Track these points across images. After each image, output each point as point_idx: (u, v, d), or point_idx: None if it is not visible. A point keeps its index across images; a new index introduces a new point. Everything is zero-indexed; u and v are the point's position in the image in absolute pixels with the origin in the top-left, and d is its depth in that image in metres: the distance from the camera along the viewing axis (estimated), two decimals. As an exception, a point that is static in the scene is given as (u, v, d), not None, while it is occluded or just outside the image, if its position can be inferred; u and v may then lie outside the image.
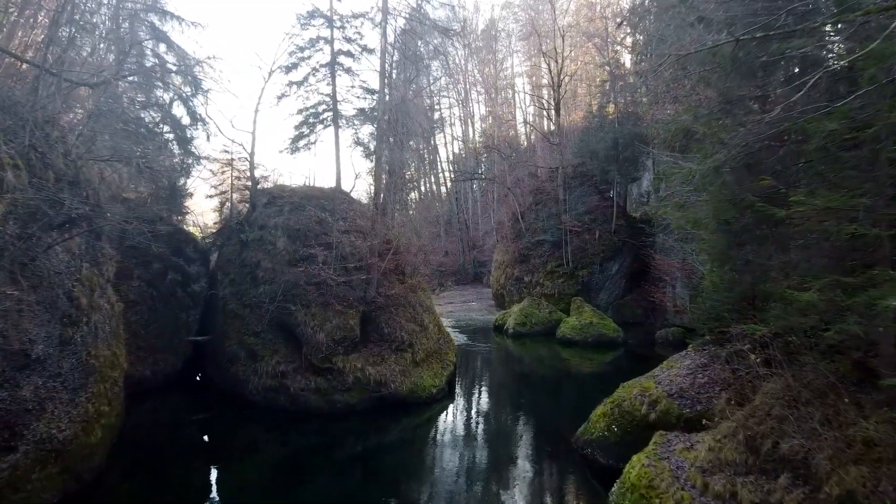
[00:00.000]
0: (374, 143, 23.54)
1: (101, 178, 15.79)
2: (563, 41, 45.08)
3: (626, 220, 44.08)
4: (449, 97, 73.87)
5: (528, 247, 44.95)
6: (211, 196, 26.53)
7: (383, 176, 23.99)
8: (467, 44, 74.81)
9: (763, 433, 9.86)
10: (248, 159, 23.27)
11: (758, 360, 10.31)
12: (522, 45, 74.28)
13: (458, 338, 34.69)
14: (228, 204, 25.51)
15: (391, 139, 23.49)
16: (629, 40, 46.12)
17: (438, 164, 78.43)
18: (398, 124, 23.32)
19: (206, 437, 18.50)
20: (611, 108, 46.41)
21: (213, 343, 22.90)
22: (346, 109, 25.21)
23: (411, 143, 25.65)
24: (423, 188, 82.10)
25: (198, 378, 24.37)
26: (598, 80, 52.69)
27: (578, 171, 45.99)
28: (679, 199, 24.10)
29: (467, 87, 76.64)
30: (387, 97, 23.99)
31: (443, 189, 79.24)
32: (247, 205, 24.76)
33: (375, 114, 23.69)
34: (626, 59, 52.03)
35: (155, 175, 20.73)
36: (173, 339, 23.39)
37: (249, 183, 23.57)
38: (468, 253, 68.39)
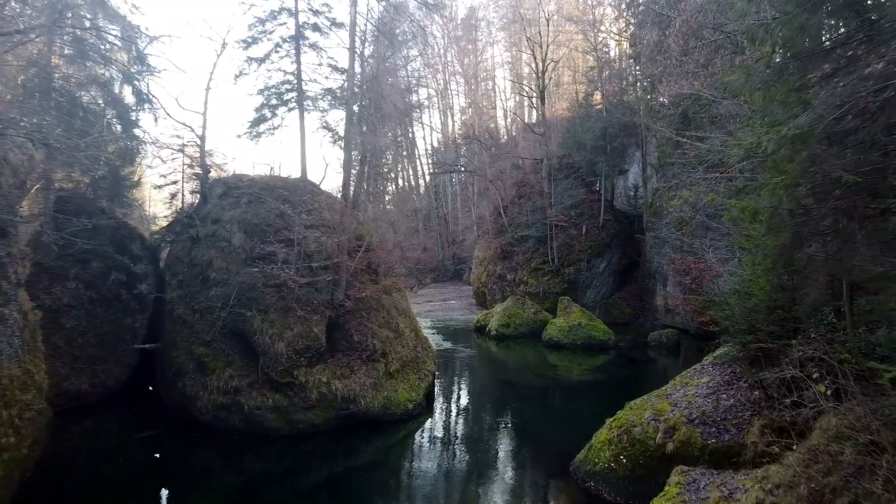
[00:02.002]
0: (344, 126, 20.92)
1: (3, 160, 13.04)
2: (549, 25, 42.77)
3: (613, 214, 42.04)
4: (428, 87, 71.34)
5: (512, 242, 42.70)
6: (160, 186, 23.80)
7: (353, 164, 21.39)
8: (447, 32, 72.56)
9: (835, 487, 7.58)
10: (199, 144, 20.55)
11: (828, 391, 8.03)
12: (503, 35, 72.05)
13: (437, 340, 32.34)
14: (180, 195, 22.80)
15: (362, 122, 20.96)
16: (621, 22, 43.93)
17: (416, 156, 75.86)
18: (370, 105, 20.80)
19: (147, 464, 15.89)
20: (597, 96, 44.26)
21: (161, 352, 20.27)
22: (314, 90, 22.60)
23: (386, 128, 23.04)
24: (400, 182, 79.65)
25: (150, 389, 21.67)
26: (584, 67, 50.49)
27: (564, 162, 43.84)
28: (682, 185, 21.91)
29: (447, 77, 74.17)
30: (357, 76, 21.41)
31: (421, 183, 76.74)
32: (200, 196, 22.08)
33: (345, 94, 21.08)
34: (613, 48, 50.00)
35: (91, 161, 18.00)
36: (117, 347, 20.74)
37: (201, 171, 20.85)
38: (447, 249, 66.00)
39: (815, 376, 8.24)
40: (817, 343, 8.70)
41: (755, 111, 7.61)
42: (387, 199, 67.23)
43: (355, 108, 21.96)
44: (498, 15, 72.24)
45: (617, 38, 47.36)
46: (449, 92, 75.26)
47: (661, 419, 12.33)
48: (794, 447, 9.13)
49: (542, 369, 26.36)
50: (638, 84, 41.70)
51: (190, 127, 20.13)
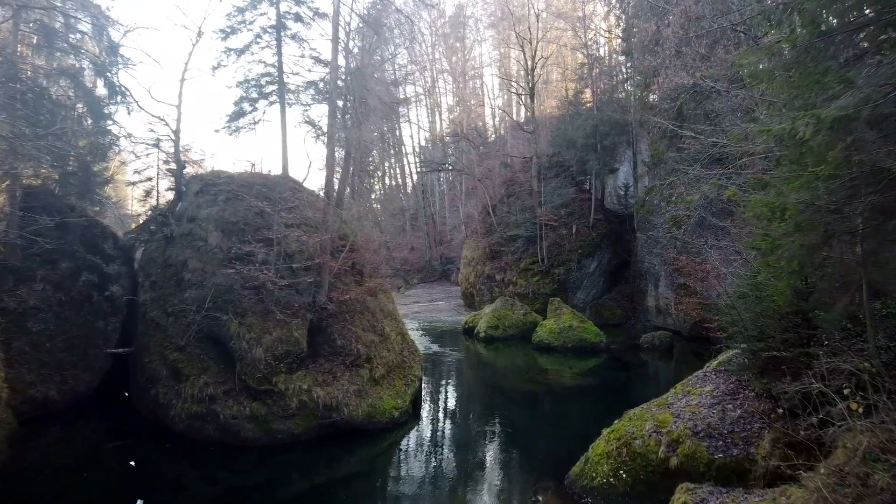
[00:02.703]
0: (327, 121, 19.97)
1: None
2: (538, 21, 42.03)
3: (604, 213, 41.37)
4: (415, 84, 70.40)
5: (500, 242, 41.90)
6: (134, 183, 22.69)
7: (336, 159, 20.47)
8: (434, 29, 71.77)
9: (866, 516, 6.81)
10: (173, 138, 19.53)
11: (860, 408, 7.24)
12: (492, 33, 71.29)
13: (425, 343, 31.48)
14: (155, 192, 21.76)
15: (347, 117, 20.05)
16: (611, 18, 43.29)
17: (403, 154, 74.87)
18: (355, 99, 19.88)
19: (117, 476, 14.93)
20: (588, 93, 43.58)
21: (134, 357, 19.27)
22: (296, 83, 21.63)
23: (371, 123, 22.13)
24: (387, 181, 78.75)
25: (126, 395, 20.61)
26: (573, 65, 49.81)
27: (554, 160, 43.11)
28: (680, 182, 21.22)
29: (434, 75, 73.22)
30: (341, 69, 20.47)
31: (408, 182, 75.76)
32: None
33: (328, 87, 20.15)
34: (603, 44, 49.37)
35: (59, 155, 17.00)
36: (87, 351, 19.67)
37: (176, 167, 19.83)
38: (435, 249, 65.09)
39: (845, 391, 7.44)
40: (845, 354, 7.92)
41: (778, 97, 6.86)
42: (373, 197, 66.33)
43: (339, 102, 21.08)
44: (486, 12, 71.57)
45: (607, 34, 46.73)
46: (436, 90, 74.41)
47: (663, 431, 11.54)
48: (814, 466, 8.34)
49: (532, 373, 25.54)
50: (630, 81, 41.10)
51: (164, 120, 19.12)
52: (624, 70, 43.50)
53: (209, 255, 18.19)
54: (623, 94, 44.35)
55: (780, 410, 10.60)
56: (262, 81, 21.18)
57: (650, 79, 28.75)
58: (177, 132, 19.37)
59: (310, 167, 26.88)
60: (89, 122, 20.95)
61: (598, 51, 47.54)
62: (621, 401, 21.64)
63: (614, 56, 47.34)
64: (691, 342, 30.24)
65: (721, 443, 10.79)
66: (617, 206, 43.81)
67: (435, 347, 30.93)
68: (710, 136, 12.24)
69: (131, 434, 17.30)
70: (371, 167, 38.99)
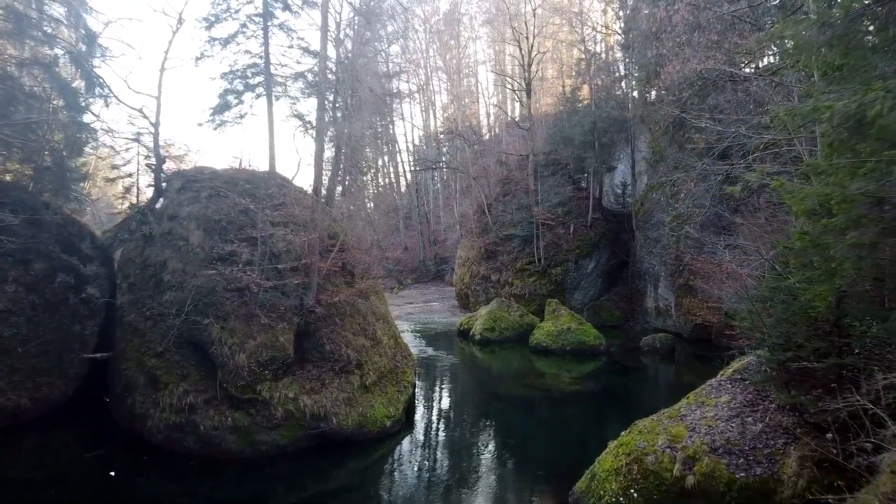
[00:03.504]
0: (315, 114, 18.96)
1: None
2: (535, 16, 41.12)
3: (602, 212, 40.51)
4: (409, 82, 69.37)
5: (496, 242, 40.99)
6: (112, 179, 21.63)
7: (325, 154, 19.50)
8: (429, 27, 70.85)
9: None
10: (152, 131, 18.50)
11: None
12: (486, 31, 70.35)
13: (418, 345, 30.54)
14: (135, 189, 20.73)
15: (336, 109, 19.08)
16: (609, 14, 42.45)
17: (397, 153, 73.87)
18: (345, 90, 18.92)
19: (90, 492, 13.91)
20: (585, 90, 42.71)
21: (111, 363, 18.24)
22: (284, 74, 20.58)
23: (363, 115, 21.13)
24: (381, 179, 77.74)
25: (106, 400, 19.57)
26: (570, 61, 48.93)
27: (551, 158, 42.26)
28: (690, 177, 20.36)
29: (428, 72, 72.27)
30: (331, 59, 19.49)
31: (402, 181, 74.75)
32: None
33: (317, 79, 19.14)
34: (600, 41, 48.49)
35: (33, 149, 15.98)
36: (63, 357, 18.61)
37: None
38: (429, 248, 64.14)
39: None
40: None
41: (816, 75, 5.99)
42: (367, 196, 65.22)
43: (329, 94, 20.09)
44: (481, 9, 70.63)
45: (605, 30, 45.87)
46: (430, 88, 73.47)
47: (677, 446, 10.61)
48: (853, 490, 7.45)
49: (530, 378, 24.58)
50: (629, 76, 40.28)
51: (142, 112, 18.08)
52: (623, 66, 42.62)
53: (190, 255, 17.20)
54: (620, 91, 43.56)
55: (806, 424, 9.72)
56: (248, 73, 20.12)
57: (652, 72, 27.86)
58: (156, 125, 18.34)
59: (299, 164, 25.86)
60: (65, 114, 19.85)
61: (596, 46, 46.66)
62: (623, 408, 20.86)
63: (612, 52, 46.55)
64: (692, 344, 29.45)
65: (742, 460, 9.88)
66: (615, 206, 43.00)
67: (429, 350, 29.98)
68: (728, 125, 11.38)
69: (108, 445, 16.29)
70: (364, 165, 37.80)
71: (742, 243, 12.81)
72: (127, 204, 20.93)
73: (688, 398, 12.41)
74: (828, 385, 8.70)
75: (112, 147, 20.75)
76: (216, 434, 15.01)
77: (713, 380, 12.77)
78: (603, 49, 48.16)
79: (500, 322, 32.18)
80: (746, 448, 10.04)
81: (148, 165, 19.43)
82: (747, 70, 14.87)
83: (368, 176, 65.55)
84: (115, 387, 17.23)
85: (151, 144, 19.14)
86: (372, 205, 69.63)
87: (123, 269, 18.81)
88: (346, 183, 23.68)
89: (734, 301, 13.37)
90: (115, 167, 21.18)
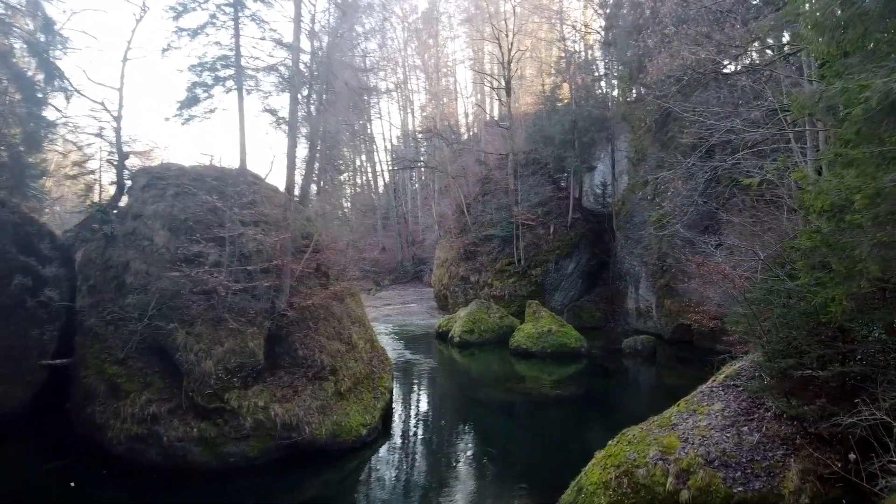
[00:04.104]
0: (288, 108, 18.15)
1: None
2: (515, 13, 40.61)
3: (582, 212, 40.09)
4: (387, 80, 68.44)
5: (475, 242, 40.36)
6: (74, 176, 20.57)
7: (300, 151, 18.70)
8: (406, 25, 70.10)
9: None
10: (114, 125, 17.55)
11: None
12: (465, 30, 69.74)
13: (396, 348, 29.83)
14: (97, 186, 19.70)
15: (312, 100, 18.30)
16: (589, 11, 42.08)
17: (375, 152, 72.88)
18: (320, 84, 18.14)
19: None
20: (565, 88, 42.28)
21: (71, 370, 17.24)
22: (256, 67, 19.77)
23: (338, 110, 20.35)
24: (358, 180, 76.73)
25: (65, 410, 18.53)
26: (550, 59, 48.49)
27: (531, 158, 41.74)
28: (676, 175, 19.85)
29: (406, 71, 71.44)
30: (306, 52, 18.71)
31: (380, 180, 73.83)
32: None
33: (290, 71, 18.33)
34: (579, 40, 48.15)
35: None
36: (20, 363, 17.51)
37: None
38: (407, 249, 63.33)
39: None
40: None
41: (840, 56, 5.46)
42: (344, 195, 64.22)
43: (304, 89, 19.29)
44: (459, 8, 70.03)
45: (585, 28, 45.51)
46: (409, 87, 72.66)
47: (670, 458, 10.02)
48: None
49: (510, 382, 23.95)
50: (610, 74, 39.92)
51: (103, 105, 17.13)
52: (603, 64, 42.25)
53: (155, 255, 16.30)
54: (600, 90, 43.25)
55: (807, 436, 9.20)
56: (218, 65, 19.28)
57: (634, 69, 27.41)
58: (118, 119, 17.36)
59: (273, 161, 24.98)
60: (23, 108, 18.77)
61: (576, 45, 46.26)
62: (606, 412, 20.36)
63: (592, 51, 46.20)
64: (674, 346, 29.14)
65: (740, 473, 9.31)
66: (595, 206, 42.62)
67: (407, 354, 29.25)
68: (719, 120, 10.86)
69: (69, 455, 15.34)
70: (342, 163, 36.86)
71: (737, 243, 12.30)
72: (88, 202, 19.79)
73: (678, 405, 11.83)
74: (832, 395, 8.17)
75: (73, 142, 19.68)
76: (181, 446, 14.17)
77: (704, 386, 12.21)
78: (582, 48, 47.81)
79: (480, 324, 31.57)
80: (743, 460, 9.48)
81: (109, 161, 18.45)
82: (736, 66, 14.40)
83: (346, 175, 64.58)
84: (75, 395, 16.25)
85: (114, 139, 18.15)
86: (349, 204, 68.68)
87: (84, 270, 17.79)
88: (322, 182, 22.88)
89: (726, 303, 12.81)
90: (76, 164, 20.13)
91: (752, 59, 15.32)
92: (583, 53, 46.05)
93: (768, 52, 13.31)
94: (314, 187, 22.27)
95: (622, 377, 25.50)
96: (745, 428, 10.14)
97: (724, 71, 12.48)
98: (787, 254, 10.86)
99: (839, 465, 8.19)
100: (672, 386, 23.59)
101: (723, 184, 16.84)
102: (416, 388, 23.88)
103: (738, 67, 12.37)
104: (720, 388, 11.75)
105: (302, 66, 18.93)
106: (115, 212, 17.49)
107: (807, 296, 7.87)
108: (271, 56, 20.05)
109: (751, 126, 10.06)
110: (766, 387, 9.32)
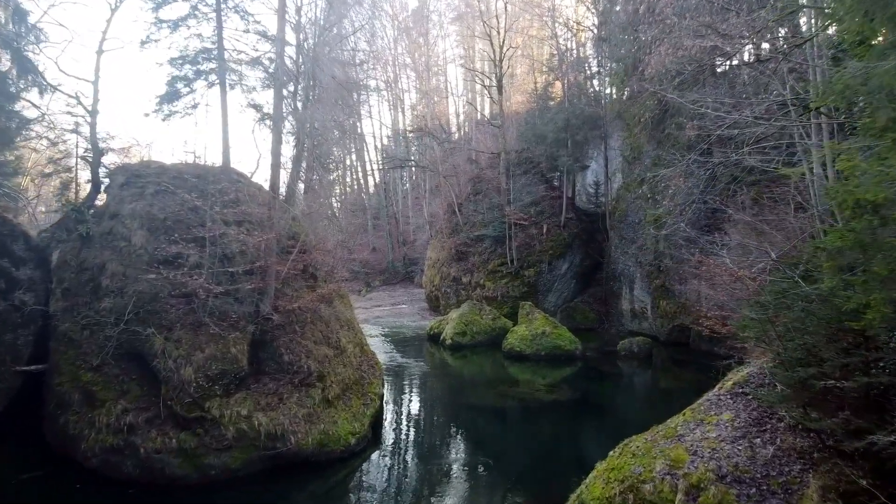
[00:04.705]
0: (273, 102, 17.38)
1: None
2: (506, 10, 39.97)
3: (575, 212, 39.48)
4: (378, 81, 67.66)
5: (467, 242, 39.66)
6: (50, 174, 19.73)
7: (287, 148, 17.96)
8: (397, 23, 69.47)
9: None
10: (88, 119, 16.74)
11: None
12: (455, 28, 69.17)
13: (387, 351, 29.15)
14: (74, 185, 18.87)
15: (298, 91, 17.57)
16: (581, 8, 41.51)
17: (365, 152, 72.04)
18: (306, 77, 17.43)
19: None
20: (557, 86, 41.70)
21: (46, 377, 16.42)
22: (240, 61, 19.00)
23: (325, 104, 19.59)
24: (348, 179, 75.94)
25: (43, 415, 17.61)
26: (542, 57, 47.92)
27: (523, 156, 41.15)
28: (679, 172, 19.27)
29: (396, 70, 70.76)
30: (291, 45, 17.97)
31: (370, 180, 72.98)
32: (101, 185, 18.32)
33: (275, 64, 17.58)
34: (570, 38, 47.61)
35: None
36: (-8, 369, 16.68)
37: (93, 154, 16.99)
38: (398, 249, 62.58)
39: None
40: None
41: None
42: (334, 195, 63.42)
43: (289, 85, 18.56)
44: (450, 7, 69.44)
45: (577, 26, 44.95)
46: (399, 86, 71.95)
47: (678, 473, 9.38)
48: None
49: (504, 386, 23.27)
50: (604, 71, 39.31)
51: (77, 99, 16.31)
52: (597, 61, 41.64)
53: (133, 257, 15.54)
54: (592, 89, 42.67)
55: (826, 449, 8.58)
56: (199, 59, 18.50)
57: (630, 65, 26.81)
58: (93, 113, 16.55)
59: (259, 159, 24.08)
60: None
61: (568, 42, 45.69)
62: (604, 418, 19.74)
63: (584, 49, 45.67)
64: (670, 348, 28.60)
65: (755, 490, 8.68)
66: (588, 205, 42.04)
67: (398, 357, 28.54)
68: (728, 111, 10.26)
69: (45, 466, 14.52)
70: (331, 162, 36.00)
71: (745, 242, 11.70)
72: (63, 201, 18.95)
73: (684, 414, 11.21)
74: (856, 407, 7.55)
75: (49, 139, 18.86)
76: (158, 458, 13.41)
77: (711, 394, 11.60)
78: (574, 45, 47.30)
79: (472, 326, 30.91)
80: (758, 476, 8.85)
81: (83, 158, 17.63)
82: (742, 58, 13.81)
83: (336, 174, 63.81)
84: (49, 404, 15.43)
85: (90, 135, 17.33)
86: (339, 204, 67.86)
87: (58, 272, 16.93)
88: (310, 180, 22.13)
89: (733, 306, 12.19)
90: (52, 161, 19.28)
91: (760, 50, 14.75)
92: (575, 51, 45.52)
93: (779, 40, 12.73)
94: (302, 186, 21.51)
95: (618, 380, 24.90)
96: (758, 440, 9.51)
97: (730, 62, 11.88)
98: (799, 254, 10.26)
99: (865, 482, 7.57)
100: (669, 390, 23.06)
101: (724, 181, 16.28)
102: (407, 393, 23.18)
103: (748, 58, 11.80)
104: (728, 397, 11.13)
105: (288, 61, 18.20)
106: (91, 211, 16.64)
107: (830, 300, 7.25)
108: (255, 49, 19.33)
109: (759, 119, 9.47)
110: (783, 397, 8.68)
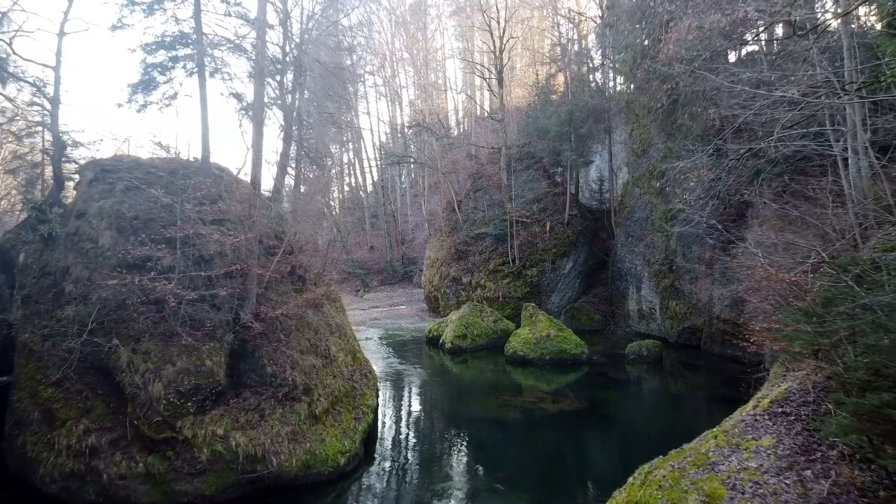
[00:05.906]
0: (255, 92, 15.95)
1: None
2: (506, 2, 38.57)
3: (579, 209, 38.08)
4: (374, 75, 66.24)
5: (467, 241, 38.26)
6: (14, 170, 18.32)
7: (264, 138, 16.53)
8: (394, 17, 68.15)
9: None
10: (48, 108, 15.30)
11: None
12: (454, 23, 67.87)
13: (383, 356, 27.78)
14: (40, 181, 17.46)
15: (283, 87, 16.16)
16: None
17: (363, 149, 70.60)
18: (292, 64, 16.02)
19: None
20: (559, 79, 40.28)
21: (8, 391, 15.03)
22: (220, 47, 17.61)
23: (313, 94, 18.19)
24: (345, 177, 74.63)
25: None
26: (544, 49, 46.48)
27: (524, 151, 39.73)
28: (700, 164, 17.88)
29: (394, 66, 69.38)
30: (276, 28, 16.55)
31: (368, 178, 71.59)
32: (72, 181, 16.96)
33: (256, 49, 16.17)
34: (572, 30, 46.17)
35: None
36: (-48, 382, 15.31)
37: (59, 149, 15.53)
38: (396, 248, 61.20)
39: None
40: None
41: None
42: (328, 192, 61.90)
43: (276, 75, 17.19)
44: (448, 1, 68.15)
45: (579, 16, 43.49)
46: (397, 81, 70.58)
47: (716, 512, 7.99)
48: None
49: (507, 394, 21.82)
50: (607, 61, 37.87)
51: (34, 85, 14.88)
52: (601, 51, 40.16)
53: (99, 260, 14.18)
54: (594, 83, 41.22)
55: (894, 485, 7.19)
56: (176, 44, 17.11)
57: (638, 53, 25.36)
58: (54, 101, 15.08)
59: (247, 155, 22.65)
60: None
61: (571, 32, 44.21)
62: (615, 431, 18.30)
63: (586, 40, 44.23)
64: (680, 351, 27.26)
65: (810, 536, 7.30)
66: (591, 202, 40.67)
67: (395, 362, 27.14)
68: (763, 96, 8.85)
69: (5, 490, 13.17)
70: (324, 158, 34.58)
71: (793, 240, 10.30)
72: (24, 199, 17.55)
73: (715, 437, 9.78)
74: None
75: (12, 132, 17.43)
76: (123, 484, 12.02)
77: (745, 413, 10.17)
78: (576, 36, 45.91)
79: (473, 328, 29.52)
80: (811, 518, 7.46)
81: (44, 151, 16.21)
82: (769, 35, 12.43)
83: (333, 171, 62.35)
84: (6, 422, 14.04)
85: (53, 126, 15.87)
86: (335, 202, 66.45)
87: (20, 277, 15.55)
88: (299, 175, 20.74)
89: (770, 311, 10.78)
90: (16, 156, 17.87)
91: (792, 25, 13.38)
92: (577, 42, 44.10)
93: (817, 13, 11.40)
94: (290, 181, 20.12)
95: (627, 387, 23.47)
96: (809, 472, 8.10)
97: (762, 38, 10.55)
98: (848, 253, 8.88)
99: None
100: (683, 397, 21.66)
101: (748, 172, 14.82)
102: (403, 403, 21.76)
103: (780, 33, 10.48)
104: (766, 417, 9.70)
105: (272, 47, 16.81)
106: (56, 210, 15.22)
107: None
108: (237, 35, 17.94)
109: (805, 97, 8.13)
110: (848, 427, 7.25)
